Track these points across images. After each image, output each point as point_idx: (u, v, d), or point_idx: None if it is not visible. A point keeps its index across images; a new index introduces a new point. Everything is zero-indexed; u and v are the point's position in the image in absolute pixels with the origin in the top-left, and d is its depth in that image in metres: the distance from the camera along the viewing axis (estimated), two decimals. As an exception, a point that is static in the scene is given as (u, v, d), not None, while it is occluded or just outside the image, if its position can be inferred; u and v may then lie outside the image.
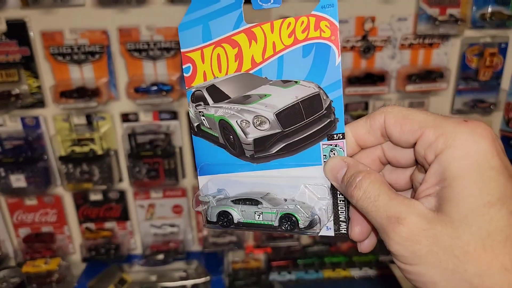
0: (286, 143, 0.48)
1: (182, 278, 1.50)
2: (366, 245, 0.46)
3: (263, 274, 1.56)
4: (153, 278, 1.52)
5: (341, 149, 0.45)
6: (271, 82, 0.47)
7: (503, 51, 1.45)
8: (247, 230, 0.51)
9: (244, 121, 0.49)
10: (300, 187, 0.48)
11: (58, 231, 1.61)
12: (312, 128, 0.47)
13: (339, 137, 0.45)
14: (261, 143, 0.49)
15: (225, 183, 0.52)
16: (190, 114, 0.53)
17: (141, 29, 1.33)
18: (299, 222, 0.48)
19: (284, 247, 1.65)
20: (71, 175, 1.45)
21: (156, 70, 1.39)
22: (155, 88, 1.34)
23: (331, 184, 0.46)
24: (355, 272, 1.59)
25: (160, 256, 1.56)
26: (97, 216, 1.59)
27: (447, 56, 1.45)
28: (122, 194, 1.56)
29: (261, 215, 0.50)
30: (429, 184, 0.37)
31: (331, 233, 0.48)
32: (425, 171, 0.40)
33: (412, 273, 0.37)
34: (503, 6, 1.37)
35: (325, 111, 0.46)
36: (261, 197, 0.51)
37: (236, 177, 0.51)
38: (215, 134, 0.51)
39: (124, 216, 1.60)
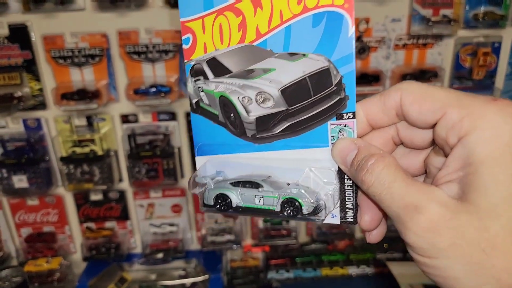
0: (291, 123, 0.45)
1: (181, 277, 1.54)
2: (375, 235, 0.44)
3: (261, 273, 1.59)
4: (153, 276, 1.56)
5: (351, 130, 0.42)
6: (276, 55, 0.44)
7: (496, 51, 1.48)
8: (246, 215, 0.49)
9: (246, 97, 0.46)
10: (304, 170, 0.45)
11: (59, 230, 1.65)
12: (320, 106, 0.43)
13: (349, 116, 0.42)
14: (264, 122, 0.45)
15: (224, 165, 0.50)
16: (189, 90, 0.50)
17: (140, 32, 1.38)
18: (303, 207, 0.46)
19: (282, 245, 1.68)
20: (72, 176, 1.49)
21: (155, 72, 1.43)
22: (154, 89, 1.38)
23: (339, 168, 0.43)
24: (353, 270, 1.62)
25: (160, 255, 1.60)
26: (98, 216, 1.63)
27: (441, 56, 1.48)
28: (122, 194, 1.60)
29: (261, 199, 0.47)
30: (451, 169, 0.34)
31: (336, 220, 0.45)
32: (445, 154, 0.37)
33: (431, 266, 0.34)
34: (496, 6, 1.41)
35: (334, 88, 0.42)
36: (262, 180, 0.48)
37: (236, 158, 0.48)
38: (215, 112, 0.48)
39: (124, 216, 1.64)
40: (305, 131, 0.44)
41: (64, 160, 1.46)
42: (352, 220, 0.45)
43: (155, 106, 1.45)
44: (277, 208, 0.47)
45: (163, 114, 1.48)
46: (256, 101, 0.45)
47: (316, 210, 0.45)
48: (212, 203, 0.50)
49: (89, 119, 1.48)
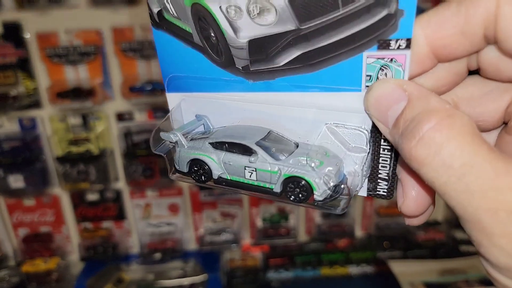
0: (303, 51, 0.30)
1: (179, 277, 1.55)
2: (419, 219, 0.33)
3: (260, 272, 1.60)
4: (151, 276, 1.57)
5: (400, 68, 0.28)
6: None
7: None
8: (232, 191, 0.37)
9: (233, 6, 0.31)
10: (321, 128, 0.33)
11: (56, 231, 1.66)
12: (352, 27, 0.28)
13: (400, 45, 0.27)
14: (262, 47, 0.31)
15: (206, 107, 0.37)
16: None
17: (134, 29, 1.38)
18: (314, 191, 0.32)
19: (281, 244, 1.69)
20: (68, 175, 1.50)
21: (150, 69, 1.44)
22: (149, 87, 1.39)
23: (373, 125, 0.30)
24: (353, 269, 1.62)
25: (158, 255, 1.61)
26: (94, 216, 1.64)
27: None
28: (118, 193, 1.61)
29: (253, 173, 0.35)
30: None
31: (363, 192, 0.34)
32: None
33: None
34: None
35: None
36: (256, 143, 0.35)
37: (223, 98, 0.36)
38: (187, 29, 0.34)
39: (121, 215, 1.65)
40: (325, 65, 0.30)
41: (60, 159, 1.47)
42: (385, 193, 0.33)
43: (151, 104, 1.46)
44: (277, 188, 0.34)
45: (158, 112, 1.49)
46: (249, 13, 0.30)
47: (334, 195, 0.33)
48: (185, 169, 0.38)
49: (84, 117, 1.49)
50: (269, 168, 0.34)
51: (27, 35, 1.38)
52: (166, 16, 0.34)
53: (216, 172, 0.37)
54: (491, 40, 0.26)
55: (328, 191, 0.32)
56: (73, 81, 1.43)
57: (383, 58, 0.28)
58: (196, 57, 0.35)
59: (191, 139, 0.38)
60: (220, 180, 0.37)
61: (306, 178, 0.33)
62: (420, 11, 0.27)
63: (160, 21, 0.35)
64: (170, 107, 0.39)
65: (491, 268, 0.25)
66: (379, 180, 0.33)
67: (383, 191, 0.34)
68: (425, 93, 0.26)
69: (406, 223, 0.34)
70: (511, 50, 0.26)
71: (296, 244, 1.70)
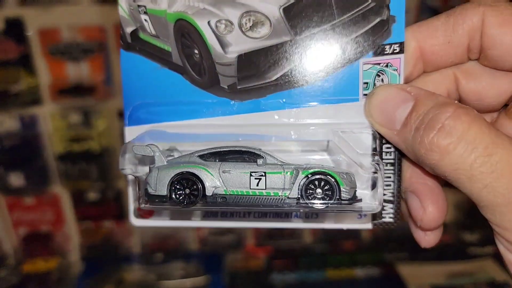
0: (298, 62, 0.30)
1: (181, 277, 1.55)
2: (435, 235, 0.33)
3: (263, 274, 1.60)
4: (152, 277, 1.57)
5: (396, 72, 0.29)
6: None
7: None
8: (230, 209, 0.32)
9: (223, 21, 0.29)
10: (328, 137, 0.31)
11: (56, 230, 1.67)
12: (347, 34, 0.29)
13: (394, 50, 0.28)
14: (252, 62, 0.29)
15: (176, 140, 0.34)
16: (121, 12, 0.34)
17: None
18: (342, 187, 0.30)
19: (286, 245, 1.69)
20: (68, 174, 1.51)
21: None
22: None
23: (375, 134, 0.30)
24: (359, 271, 1.62)
25: (159, 255, 1.61)
26: (95, 215, 1.65)
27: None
28: (119, 192, 1.62)
29: (262, 179, 0.31)
30: None
31: (367, 225, 0.33)
32: None
33: None
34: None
35: (372, 3, 0.28)
36: (258, 150, 0.31)
37: (200, 127, 0.32)
38: (165, 48, 0.32)
39: (122, 215, 1.66)
40: (319, 77, 0.30)
41: (61, 157, 1.48)
42: (392, 219, 0.32)
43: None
44: (293, 193, 0.31)
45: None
46: (241, 26, 0.29)
47: (355, 195, 0.32)
48: (164, 191, 0.32)
49: (86, 115, 1.50)
50: (281, 170, 0.31)
51: (29, 32, 1.39)
52: (142, 35, 0.34)
53: (211, 187, 0.32)
54: (475, 51, 0.28)
55: (354, 189, 0.31)
56: (74, 78, 1.44)
57: (379, 64, 0.29)
58: (173, 79, 0.33)
59: (169, 156, 0.33)
60: (215, 198, 0.32)
61: (331, 172, 0.30)
62: (432, 11, 0.29)
63: (133, 41, 0.34)
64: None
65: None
66: (383, 204, 0.32)
67: (390, 217, 0.33)
68: (431, 92, 0.28)
69: (422, 245, 0.34)
70: (496, 59, 0.28)
71: (301, 245, 1.69)
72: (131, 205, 0.37)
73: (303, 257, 1.67)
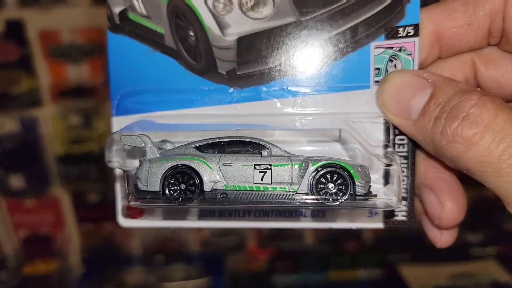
0: (304, 45, 0.27)
1: (182, 279, 1.56)
2: (451, 234, 0.32)
3: (265, 276, 1.60)
4: (153, 279, 1.58)
5: (409, 57, 0.27)
6: None
7: None
8: (230, 206, 0.30)
9: (223, 1, 0.27)
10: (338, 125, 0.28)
11: (57, 232, 1.68)
12: (357, 16, 0.26)
13: (408, 32, 0.26)
14: (253, 46, 0.27)
15: (169, 130, 0.31)
16: None
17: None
18: (356, 181, 0.28)
19: (288, 247, 1.69)
20: (69, 175, 1.52)
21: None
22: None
23: (387, 125, 0.29)
24: (361, 273, 1.63)
25: (160, 257, 1.62)
26: (96, 217, 1.66)
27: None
28: (121, 194, 1.63)
29: (267, 172, 0.28)
30: None
31: (378, 224, 0.31)
32: None
33: None
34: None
35: None
36: (264, 141, 0.28)
37: (195, 117, 0.29)
38: (158, 30, 0.30)
39: (123, 217, 1.66)
40: (328, 62, 0.27)
41: (61, 159, 1.49)
42: (406, 217, 0.30)
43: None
44: (302, 188, 0.28)
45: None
46: (241, 6, 0.27)
47: (370, 189, 0.29)
48: (157, 187, 0.30)
49: (86, 117, 1.51)
50: (290, 162, 0.28)
51: (30, 33, 1.40)
52: (132, 16, 0.31)
53: (210, 182, 0.29)
54: (495, 36, 0.26)
55: (369, 183, 0.29)
56: (75, 80, 1.46)
57: (392, 48, 0.27)
58: (166, 64, 0.30)
59: (161, 149, 0.30)
60: (215, 194, 0.29)
61: (345, 165, 0.28)
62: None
63: (121, 22, 0.31)
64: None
65: None
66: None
67: (403, 215, 0.30)
68: (450, 78, 0.26)
69: (438, 245, 0.32)
70: None
71: (303, 246, 1.70)
72: (119, 204, 0.34)
73: (305, 259, 1.68)
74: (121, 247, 1.66)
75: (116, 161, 0.33)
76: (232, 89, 0.29)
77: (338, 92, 0.28)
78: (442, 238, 0.33)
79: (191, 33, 0.29)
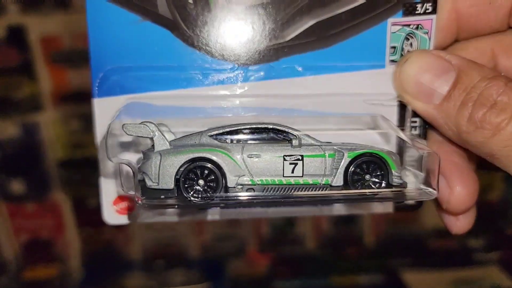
0: (318, 19, 0.24)
1: (182, 284, 1.56)
2: (467, 220, 0.31)
3: (266, 281, 1.61)
4: (153, 284, 1.59)
5: (426, 35, 0.25)
6: None
7: None
8: (256, 204, 0.25)
9: None
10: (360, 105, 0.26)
11: (57, 236, 1.69)
12: None
13: (426, 9, 0.25)
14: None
15: (164, 113, 0.26)
16: None
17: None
18: (393, 170, 0.27)
19: (289, 252, 1.70)
20: (70, 180, 1.54)
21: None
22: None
23: (403, 106, 0.28)
24: (363, 278, 1.63)
25: (160, 262, 1.63)
26: (96, 222, 1.66)
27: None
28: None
29: (298, 164, 0.25)
30: None
31: (388, 208, 0.30)
32: None
33: None
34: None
35: None
36: (292, 128, 0.26)
37: (195, 99, 0.25)
38: None
39: (123, 222, 1.67)
40: (343, 38, 0.25)
41: (62, 164, 1.50)
42: (434, 190, 0.28)
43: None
44: (337, 180, 0.26)
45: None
46: None
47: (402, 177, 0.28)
48: (171, 184, 0.26)
49: (87, 121, 1.52)
50: (324, 152, 0.25)
51: (31, 39, 1.42)
52: None
53: (233, 176, 0.25)
54: None
55: (400, 174, 0.27)
56: (76, 85, 1.47)
57: (409, 25, 0.25)
58: (159, 36, 0.25)
59: (171, 140, 0.27)
60: (240, 190, 0.25)
61: (382, 154, 0.26)
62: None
63: None
64: (100, 118, 0.26)
65: None
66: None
67: (431, 190, 0.28)
68: (473, 62, 0.25)
69: (453, 231, 0.31)
70: None
71: (304, 251, 1.70)
72: (103, 200, 0.30)
73: (306, 264, 1.68)
74: (121, 252, 1.67)
75: (115, 156, 0.28)
76: (237, 66, 0.25)
77: (351, 71, 0.26)
78: (458, 224, 0.32)
79: (190, 0, 0.25)
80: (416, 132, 0.29)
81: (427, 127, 0.31)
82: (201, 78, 0.26)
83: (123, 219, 0.30)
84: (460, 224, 0.32)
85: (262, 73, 0.25)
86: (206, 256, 1.67)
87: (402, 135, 0.29)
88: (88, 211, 1.66)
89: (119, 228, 1.68)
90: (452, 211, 0.30)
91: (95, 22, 0.27)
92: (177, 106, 0.26)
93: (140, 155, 0.30)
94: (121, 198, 0.31)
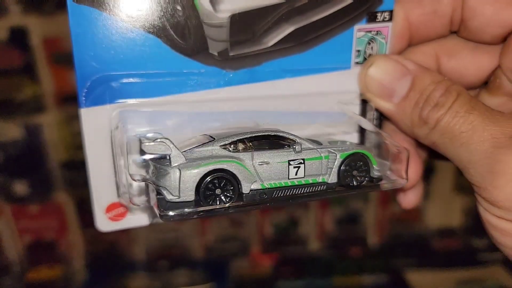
0: (297, 26, 0.26)
1: (186, 285, 1.58)
2: (414, 196, 0.37)
3: (269, 281, 1.62)
4: (157, 285, 1.61)
5: (383, 40, 0.30)
6: None
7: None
8: (265, 206, 0.28)
9: None
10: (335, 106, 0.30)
11: (61, 237, 1.71)
12: None
13: (384, 17, 0.29)
14: (247, 24, 0.25)
15: (156, 119, 0.28)
16: None
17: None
18: (375, 166, 0.33)
19: (292, 252, 1.71)
20: (73, 181, 1.55)
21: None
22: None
23: (364, 104, 0.33)
24: (366, 278, 1.64)
25: (164, 263, 1.64)
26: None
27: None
28: (124, 199, 1.66)
29: (301, 167, 0.29)
30: None
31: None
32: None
33: None
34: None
35: None
36: (292, 134, 0.29)
37: (184, 105, 0.27)
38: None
39: (126, 222, 1.69)
40: (317, 42, 0.28)
41: (65, 165, 1.52)
42: (404, 180, 0.34)
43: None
44: (332, 179, 0.31)
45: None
46: None
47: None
48: (192, 196, 0.28)
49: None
50: (321, 155, 0.30)
51: (33, 40, 1.43)
52: None
53: (247, 183, 0.28)
54: (455, 23, 0.31)
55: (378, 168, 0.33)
56: (78, 86, 1.49)
57: (371, 31, 0.29)
58: (149, 43, 0.26)
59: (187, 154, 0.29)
60: (254, 194, 0.28)
61: (366, 152, 0.32)
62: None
63: None
64: (89, 130, 0.27)
65: (490, 211, 0.31)
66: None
67: (401, 177, 0.34)
68: (424, 68, 0.31)
69: (402, 206, 0.38)
70: (476, 31, 0.31)
71: (307, 252, 1.71)
72: (95, 207, 0.30)
73: (309, 264, 1.69)
74: (125, 253, 1.69)
75: (137, 173, 0.29)
76: (225, 71, 0.27)
77: (323, 73, 0.29)
78: (406, 199, 0.38)
79: (179, 8, 0.26)
80: (374, 123, 0.36)
81: (382, 118, 0.37)
82: (189, 83, 0.27)
83: (116, 225, 0.31)
84: (408, 198, 0.38)
85: (246, 77, 0.28)
86: (210, 256, 1.68)
87: (375, 129, 0.35)
88: (91, 212, 1.68)
89: (123, 230, 1.70)
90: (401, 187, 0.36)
91: (80, 27, 0.27)
92: (169, 113, 0.28)
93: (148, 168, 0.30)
94: (113, 205, 0.34)
